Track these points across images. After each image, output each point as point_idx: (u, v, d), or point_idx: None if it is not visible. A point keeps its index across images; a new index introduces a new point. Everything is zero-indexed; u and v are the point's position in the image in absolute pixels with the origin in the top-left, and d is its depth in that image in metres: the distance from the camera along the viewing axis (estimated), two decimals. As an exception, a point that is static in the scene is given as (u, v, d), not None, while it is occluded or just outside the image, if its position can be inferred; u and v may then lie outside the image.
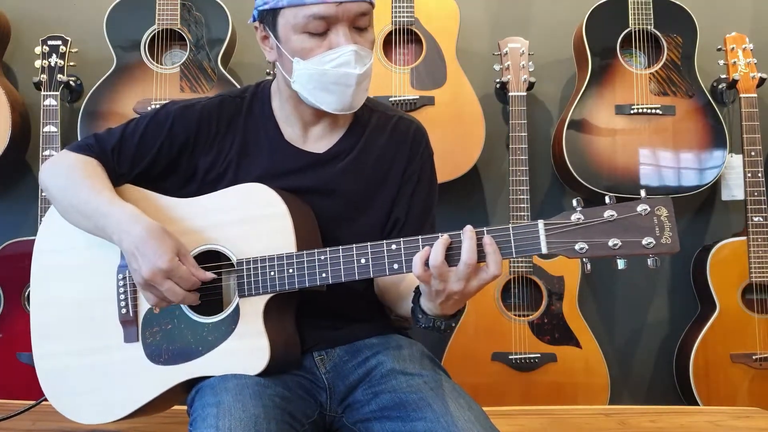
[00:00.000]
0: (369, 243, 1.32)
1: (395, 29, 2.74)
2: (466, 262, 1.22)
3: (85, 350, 1.50)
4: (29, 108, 2.82)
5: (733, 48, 2.76)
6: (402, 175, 1.55)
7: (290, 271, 1.37)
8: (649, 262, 1.21)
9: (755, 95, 2.73)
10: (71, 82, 2.71)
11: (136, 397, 1.46)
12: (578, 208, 1.22)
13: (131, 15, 2.72)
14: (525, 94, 2.72)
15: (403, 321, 1.62)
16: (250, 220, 1.42)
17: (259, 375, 1.37)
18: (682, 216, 2.95)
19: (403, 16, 2.73)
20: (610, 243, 1.20)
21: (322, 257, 1.35)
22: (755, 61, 2.75)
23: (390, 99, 2.66)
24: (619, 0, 2.77)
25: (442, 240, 1.25)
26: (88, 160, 1.50)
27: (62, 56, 2.67)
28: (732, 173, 2.80)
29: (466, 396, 1.38)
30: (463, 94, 2.72)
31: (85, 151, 1.51)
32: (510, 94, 2.72)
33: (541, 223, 1.23)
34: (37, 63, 2.66)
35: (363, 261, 1.32)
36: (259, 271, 1.38)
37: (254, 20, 1.49)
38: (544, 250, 1.22)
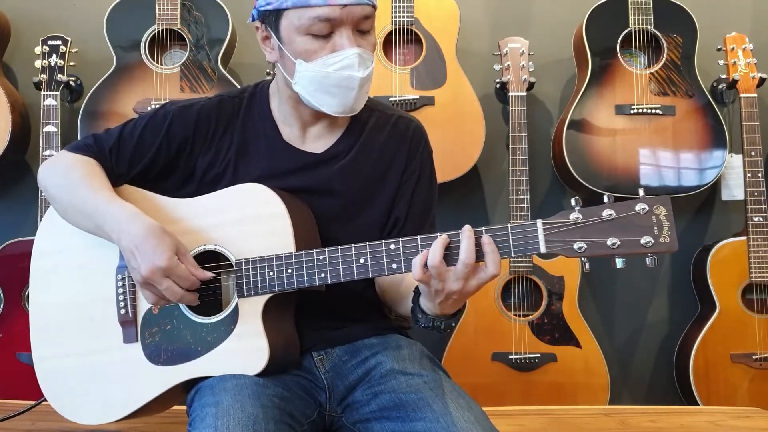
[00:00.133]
0: (368, 243, 1.32)
1: (395, 29, 2.74)
2: (464, 262, 1.22)
3: (84, 351, 1.50)
4: (29, 108, 2.82)
5: (733, 48, 2.76)
6: (401, 174, 1.55)
7: (289, 271, 1.37)
8: (648, 261, 1.20)
9: (755, 95, 2.73)
10: (71, 82, 2.71)
11: (135, 398, 1.46)
12: (577, 208, 1.22)
13: (131, 15, 2.72)
14: (525, 94, 2.71)
15: (402, 321, 1.62)
16: (248, 221, 1.42)
17: (259, 375, 1.37)
18: (682, 216, 2.95)
19: (403, 16, 2.73)
20: (609, 242, 1.20)
21: (321, 257, 1.35)
22: (755, 61, 2.75)
23: (390, 99, 2.66)
24: (619, 0, 2.77)
25: (441, 240, 1.25)
26: (86, 159, 1.50)
27: (62, 56, 2.67)
28: (732, 173, 2.80)
29: (466, 396, 1.38)
30: (463, 94, 2.72)
31: (84, 151, 1.51)
32: (510, 94, 2.71)
33: (539, 222, 1.23)
34: (37, 63, 2.66)
35: (362, 261, 1.32)
36: (258, 272, 1.38)
37: (253, 20, 1.49)
38: (543, 250, 1.22)
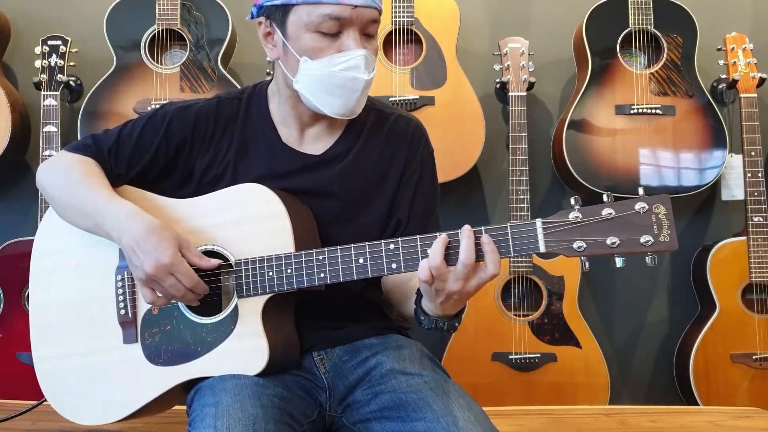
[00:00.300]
0: (367, 243, 1.32)
1: (395, 29, 2.74)
2: (464, 262, 1.22)
3: (84, 351, 1.50)
4: (29, 108, 2.82)
5: (733, 48, 2.76)
6: (401, 174, 1.55)
7: (289, 271, 1.37)
8: (648, 260, 1.20)
9: (755, 95, 2.73)
10: (71, 82, 2.71)
11: (135, 398, 1.45)
12: (576, 207, 1.22)
13: (131, 15, 2.72)
14: (525, 94, 2.72)
15: (403, 321, 1.62)
16: (248, 221, 1.42)
17: (259, 375, 1.37)
18: (682, 216, 2.95)
19: (403, 16, 2.73)
20: (609, 241, 1.20)
21: (321, 257, 1.35)
22: (755, 61, 2.75)
23: (390, 99, 2.66)
24: (619, 0, 2.77)
25: (441, 240, 1.25)
26: (85, 159, 1.50)
27: (62, 56, 2.67)
28: (732, 173, 2.80)
29: (466, 396, 1.38)
30: (463, 94, 2.72)
31: (83, 151, 1.51)
32: (510, 94, 2.72)
33: (539, 221, 1.23)
34: (37, 63, 2.66)
35: (361, 261, 1.32)
36: (258, 272, 1.38)
37: (253, 17, 1.49)
38: (543, 249, 1.22)
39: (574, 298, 2.65)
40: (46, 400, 1.54)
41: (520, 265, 2.64)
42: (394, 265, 1.30)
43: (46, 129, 2.61)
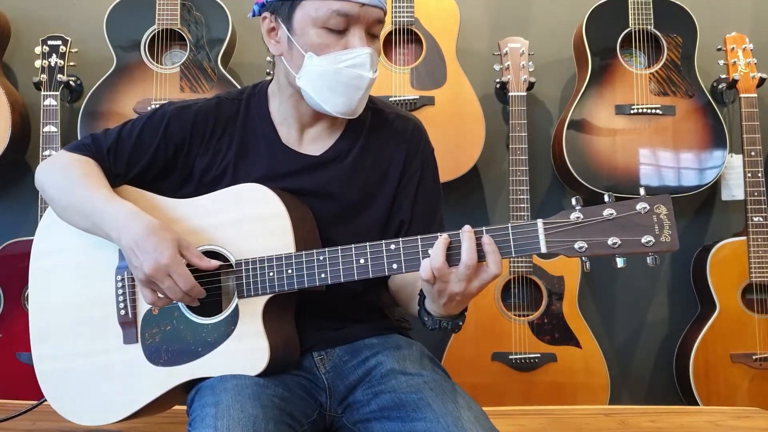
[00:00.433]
0: (368, 243, 1.32)
1: (395, 29, 2.74)
2: (466, 263, 1.22)
3: (84, 351, 1.50)
4: (29, 108, 2.82)
5: (733, 48, 2.76)
6: (401, 174, 1.55)
7: (289, 271, 1.36)
8: (649, 260, 1.20)
9: (755, 95, 2.73)
10: (71, 82, 2.71)
11: (135, 399, 1.45)
12: (577, 207, 1.22)
13: (131, 15, 2.72)
14: (525, 94, 2.71)
15: (404, 321, 1.62)
16: (248, 221, 1.42)
17: (259, 375, 1.37)
18: (682, 216, 2.95)
19: (403, 16, 2.73)
20: (610, 241, 1.20)
21: (321, 258, 1.35)
22: (755, 61, 2.75)
23: (390, 99, 2.66)
24: (619, 0, 2.77)
25: (442, 241, 1.25)
26: (84, 159, 1.49)
27: (62, 56, 2.67)
28: (732, 173, 2.80)
29: (466, 396, 1.38)
30: (463, 94, 2.72)
31: (82, 151, 1.51)
32: (510, 94, 2.71)
33: (540, 222, 1.23)
34: (37, 63, 2.66)
35: (362, 261, 1.32)
36: (258, 272, 1.38)
37: (255, 14, 1.49)
38: (544, 250, 1.22)
39: (574, 298, 2.65)
40: (46, 400, 1.53)
41: (520, 265, 2.64)
42: (395, 266, 1.30)
43: (46, 129, 2.61)
